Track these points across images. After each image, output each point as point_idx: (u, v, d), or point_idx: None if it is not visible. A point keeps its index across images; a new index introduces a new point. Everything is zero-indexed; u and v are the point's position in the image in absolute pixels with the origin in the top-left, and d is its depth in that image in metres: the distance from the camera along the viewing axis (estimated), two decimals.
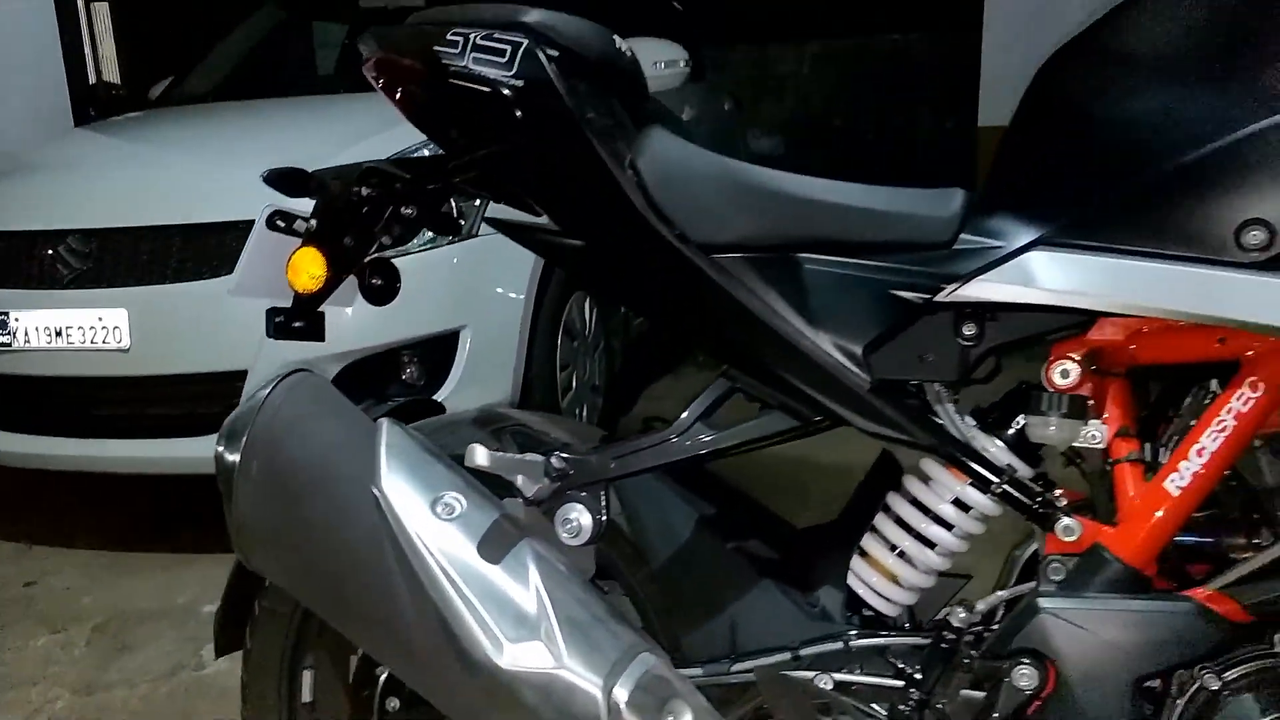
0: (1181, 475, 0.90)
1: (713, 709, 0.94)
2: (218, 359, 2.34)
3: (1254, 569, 0.91)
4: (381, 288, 1.31)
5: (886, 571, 1.03)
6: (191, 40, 4.15)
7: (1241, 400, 0.89)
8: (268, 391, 1.03)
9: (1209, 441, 0.90)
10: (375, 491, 0.94)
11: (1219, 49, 0.90)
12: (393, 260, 1.30)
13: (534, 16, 1.10)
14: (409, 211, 1.21)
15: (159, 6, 6.86)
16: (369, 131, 2.70)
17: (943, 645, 0.96)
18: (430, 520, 0.93)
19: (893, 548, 1.03)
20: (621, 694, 0.88)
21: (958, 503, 0.99)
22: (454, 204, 1.31)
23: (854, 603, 1.06)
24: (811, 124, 6.23)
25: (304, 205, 1.20)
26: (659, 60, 3.43)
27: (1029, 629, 0.92)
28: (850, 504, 1.14)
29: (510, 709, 0.89)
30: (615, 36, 1.19)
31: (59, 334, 2.44)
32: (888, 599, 1.03)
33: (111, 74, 14.70)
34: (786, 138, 5.94)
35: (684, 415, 1.02)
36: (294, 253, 1.22)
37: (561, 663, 0.88)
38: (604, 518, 1.00)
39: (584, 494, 1.01)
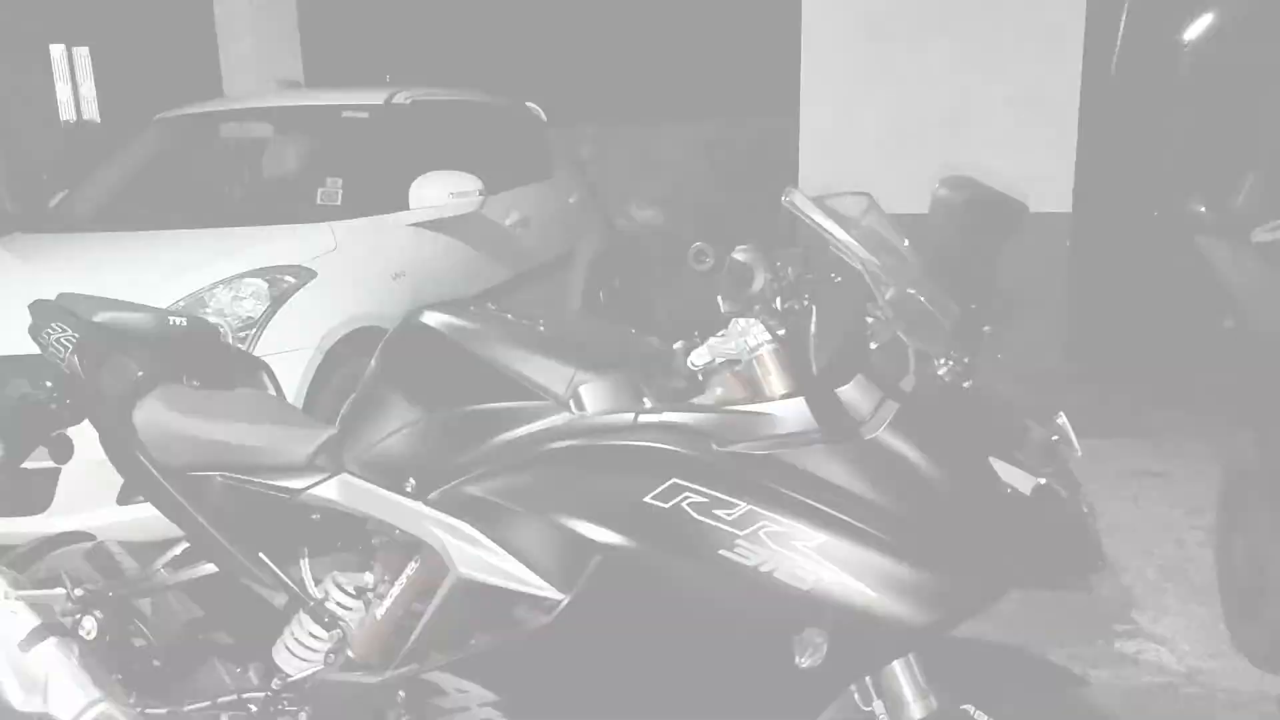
0: (381, 608, 1.66)
1: None
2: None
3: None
4: (59, 453, 2.10)
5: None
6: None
7: (412, 571, 1.64)
8: None
9: (396, 590, 1.65)
10: None
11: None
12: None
13: (102, 317, 1.89)
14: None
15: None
16: (191, 266, 3.52)
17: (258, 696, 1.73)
18: None
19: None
20: None
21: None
22: None
23: (276, 669, 1.81)
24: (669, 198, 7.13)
25: None
26: (454, 191, 4.20)
27: (301, 687, 1.68)
28: None
29: None
30: (171, 317, 1.97)
31: None
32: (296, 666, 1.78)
33: (92, 114, 15.35)
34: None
35: (158, 561, 1.79)
36: None
37: (48, 706, 1.65)
38: (103, 623, 1.77)
39: (97, 610, 1.77)
